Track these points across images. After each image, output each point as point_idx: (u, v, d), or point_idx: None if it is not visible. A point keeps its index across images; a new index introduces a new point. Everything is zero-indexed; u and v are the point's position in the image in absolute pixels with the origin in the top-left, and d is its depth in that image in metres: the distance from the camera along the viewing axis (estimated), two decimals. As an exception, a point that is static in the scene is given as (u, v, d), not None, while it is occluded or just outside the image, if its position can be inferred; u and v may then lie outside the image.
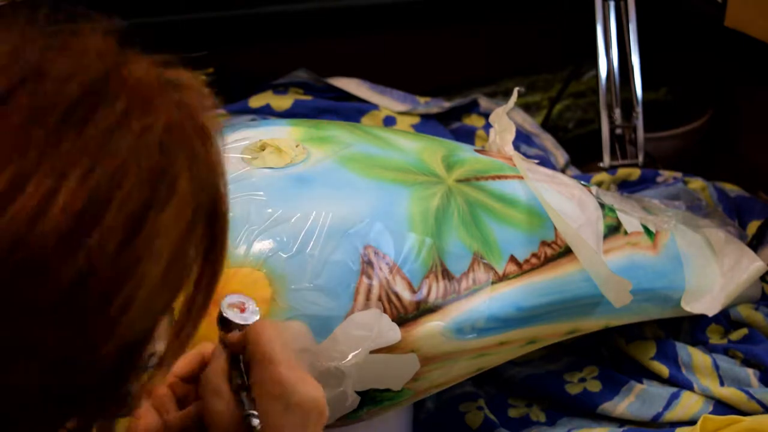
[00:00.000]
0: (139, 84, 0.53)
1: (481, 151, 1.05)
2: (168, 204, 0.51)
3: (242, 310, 0.77)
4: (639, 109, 1.52)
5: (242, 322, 0.76)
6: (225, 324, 0.76)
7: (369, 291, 0.85)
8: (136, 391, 0.56)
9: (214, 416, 0.73)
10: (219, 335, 0.76)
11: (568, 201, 1.00)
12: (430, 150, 0.99)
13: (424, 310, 0.87)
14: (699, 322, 1.20)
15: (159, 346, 0.57)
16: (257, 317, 0.77)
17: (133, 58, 0.54)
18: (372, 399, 0.87)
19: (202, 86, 0.56)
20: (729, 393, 1.07)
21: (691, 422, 1.05)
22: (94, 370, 0.51)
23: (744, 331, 1.19)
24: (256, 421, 0.71)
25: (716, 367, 1.11)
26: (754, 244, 1.29)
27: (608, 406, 1.07)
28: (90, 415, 0.55)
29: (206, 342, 0.77)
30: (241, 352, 0.74)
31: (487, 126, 1.50)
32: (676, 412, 1.07)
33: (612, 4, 1.51)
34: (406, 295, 0.86)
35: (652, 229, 1.07)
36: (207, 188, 0.55)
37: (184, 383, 0.77)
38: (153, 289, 0.51)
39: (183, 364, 0.77)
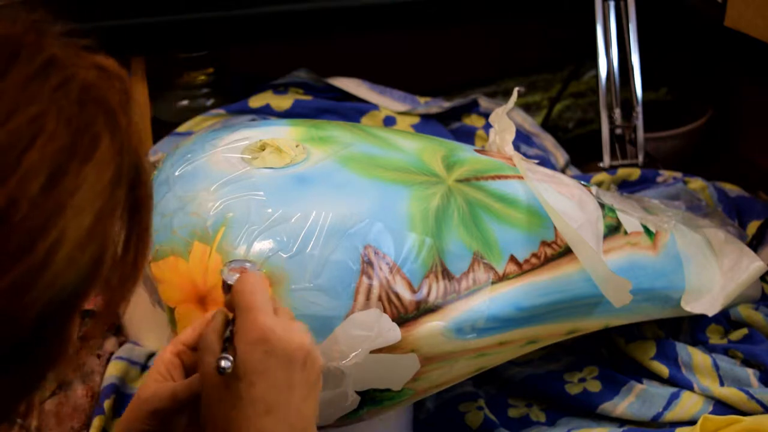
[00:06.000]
0: (56, 47, 0.56)
1: (481, 151, 1.05)
2: (90, 157, 0.54)
3: (243, 273, 0.77)
4: (639, 109, 1.52)
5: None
6: (226, 287, 0.76)
7: (369, 291, 0.85)
8: (72, 348, 0.57)
9: (204, 372, 0.73)
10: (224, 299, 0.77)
11: (568, 201, 1.00)
12: (430, 150, 1.00)
13: (424, 310, 0.87)
14: (699, 322, 1.20)
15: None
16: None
17: (53, 30, 0.57)
18: (372, 399, 0.87)
19: (121, 69, 0.59)
20: (729, 393, 1.07)
21: (691, 422, 1.05)
22: (21, 320, 0.52)
23: (744, 331, 1.19)
24: (224, 363, 0.70)
25: (716, 367, 1.11)
26: (754, 244, 1.29)
27: (608, 406, 1.07)
28: (24, 371, 0.55)
29: (213, 310, 0.78)
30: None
31: (487, 126, 1.50)
32: (676, 412, 1.07)
33: (612, 4, 1.51)
34: (406, 295, 0.86)
35: (652, 229, 1.07)
36: (128, 153, 0.57)
37: (191, 351, 0.78)
38: (78, 241, 0.53)
39: (190, 332, 0.78)
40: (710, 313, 1.09)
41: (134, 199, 0.58)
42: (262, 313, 0.72)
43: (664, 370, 1.11)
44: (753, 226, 1.35)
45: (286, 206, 0.87)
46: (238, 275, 0.77)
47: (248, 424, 0.70)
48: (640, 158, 1.52)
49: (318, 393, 0.74)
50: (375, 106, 1.57)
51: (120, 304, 0.60)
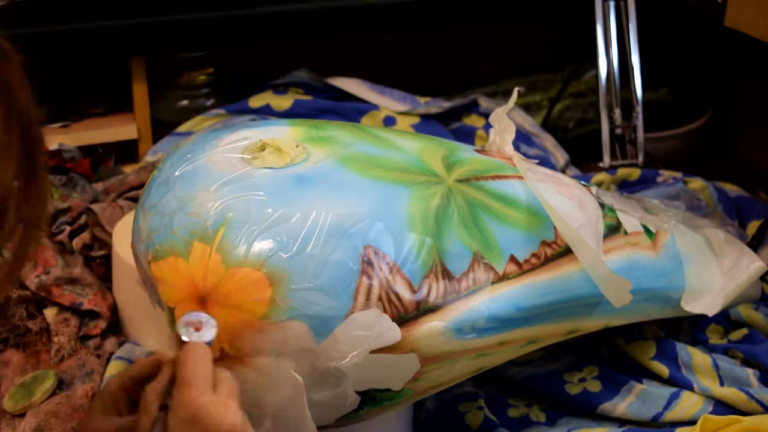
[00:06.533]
0: None
1: (481, 151, 1.05)
2: None
3: (198, 329, 0.77)
4: (639, 109, 1.52)
5: (187, 340, 0.76)
6: (179, 341, 0.76)
7: (369, 291, 0.85)
8: None
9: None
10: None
11: (568, 201, 1.00)
12: (430, 150, 1.00)
13: (424, 310, 0.87)
14: (699, 322, 1.20)
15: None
16: (208, 339, 0.77)
17: None
18: (372, 399, 0.87)
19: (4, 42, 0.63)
20: (729, 393, 1.07)
21: (691, 422, 1.05)
22: None
23: (744, 331, 1.19)
24: None
25: (716, 367, 1.11)
26: (754, 244, 1.29)
27: (608, 406, 1.07)
28: None
29: (167, 351, 0.78)
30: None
31: (487, 126, 1.50)
32: (676, 412, 1.07)
33: (612, 4, 1.52)
34: (406, 295, 0.86)
35: (652, 229, 1.07)
36: (15, 104, 0.60)
37: (137, 386, 0.78)
38: None
39: (138, 367, 0.79)
40: (710, 313, 1.09)
41: (26, 144, 0.60)
42: (198, 389, 0.73)
43: (664, 370, 1.11)
44: (753, 226, 1.35)
45: (286, 206, 0.87)
46: (192, 330, 0.77)
47: None
48: (640, 158, 1.52)
49: None
50: (375, 106, 1.57)
51: (28, 250, 0.62)
